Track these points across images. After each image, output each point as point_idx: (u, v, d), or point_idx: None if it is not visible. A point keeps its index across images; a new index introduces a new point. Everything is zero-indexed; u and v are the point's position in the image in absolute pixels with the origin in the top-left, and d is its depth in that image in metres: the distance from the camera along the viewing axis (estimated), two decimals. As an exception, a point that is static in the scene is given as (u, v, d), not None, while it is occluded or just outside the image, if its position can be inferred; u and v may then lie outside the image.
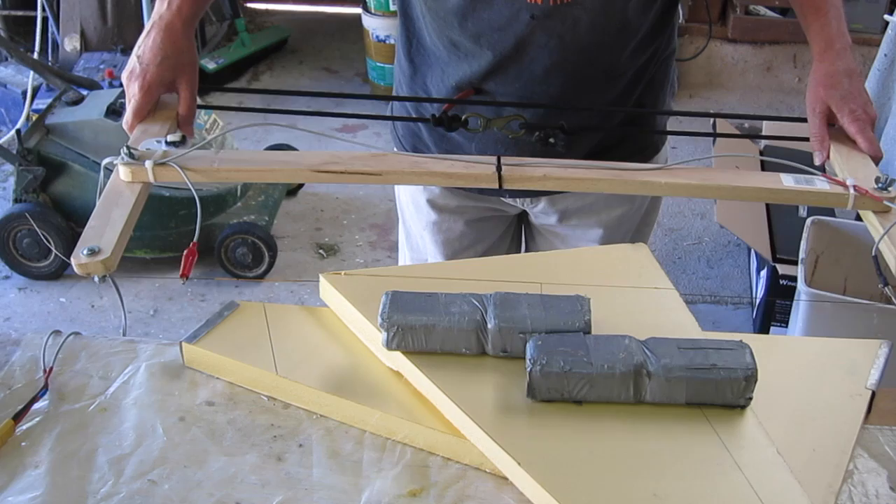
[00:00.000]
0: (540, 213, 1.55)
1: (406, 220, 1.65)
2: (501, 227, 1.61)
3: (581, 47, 1.27)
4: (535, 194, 1.49)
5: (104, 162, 1.05)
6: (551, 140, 1.28)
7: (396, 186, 1.61)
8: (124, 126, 1.16)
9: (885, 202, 1.12)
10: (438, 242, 1.59)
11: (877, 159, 1.19)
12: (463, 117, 1.29)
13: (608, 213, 1.51)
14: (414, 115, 1.46)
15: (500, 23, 1.26)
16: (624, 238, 1.54)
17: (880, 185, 1.13)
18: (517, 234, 1.66)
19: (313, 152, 1.20)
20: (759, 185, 1.18)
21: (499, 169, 1.13)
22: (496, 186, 1.14)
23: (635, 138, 1.46)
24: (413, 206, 1.60)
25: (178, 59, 1.17)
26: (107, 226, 1.00)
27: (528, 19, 1.24)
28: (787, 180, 1.16)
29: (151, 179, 1.09)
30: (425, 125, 1.44)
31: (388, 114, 1.56)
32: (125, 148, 1.08)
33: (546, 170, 1.15)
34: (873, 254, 1.08)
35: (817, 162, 1.22)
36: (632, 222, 1.55)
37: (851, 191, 1.12)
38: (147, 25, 1.20)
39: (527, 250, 1.68)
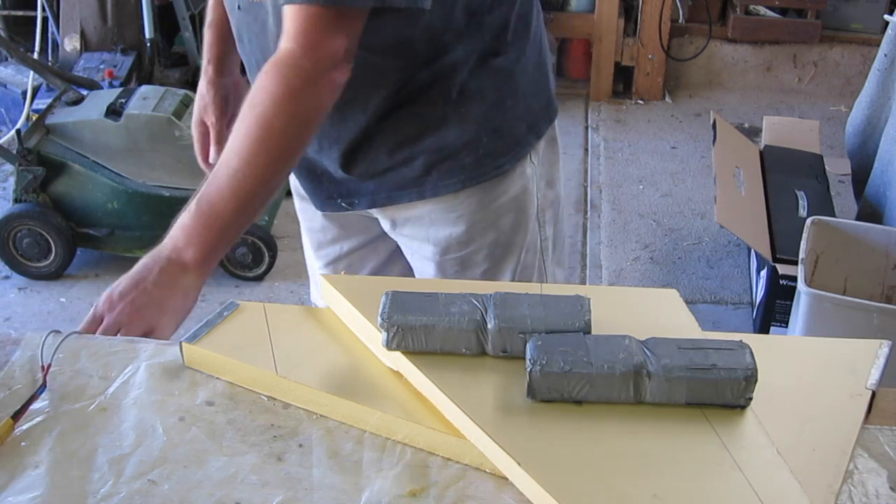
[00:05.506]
0: (383, 218, 1.51)
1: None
2: (368, 228, 1.57)
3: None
4: (367, 204, 1.46)
5: None
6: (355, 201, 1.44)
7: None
8: None
9: None
10: (305, 230, 1.64)
11: None
12: None
13: (435, 232, 1.45)
14: None
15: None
16: (466, 264, 1.47)
17: None
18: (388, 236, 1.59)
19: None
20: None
21: None
22: None
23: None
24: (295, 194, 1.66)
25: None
26: None
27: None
28: None
29: None
30: None
31: None
32: None
33: None
34: None
35: None
36: (469, 248, 1.46)
37: None
38: None
39: None
